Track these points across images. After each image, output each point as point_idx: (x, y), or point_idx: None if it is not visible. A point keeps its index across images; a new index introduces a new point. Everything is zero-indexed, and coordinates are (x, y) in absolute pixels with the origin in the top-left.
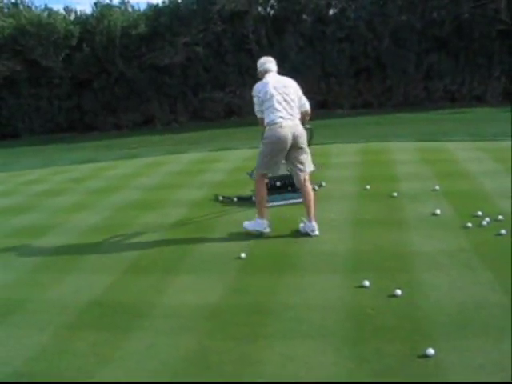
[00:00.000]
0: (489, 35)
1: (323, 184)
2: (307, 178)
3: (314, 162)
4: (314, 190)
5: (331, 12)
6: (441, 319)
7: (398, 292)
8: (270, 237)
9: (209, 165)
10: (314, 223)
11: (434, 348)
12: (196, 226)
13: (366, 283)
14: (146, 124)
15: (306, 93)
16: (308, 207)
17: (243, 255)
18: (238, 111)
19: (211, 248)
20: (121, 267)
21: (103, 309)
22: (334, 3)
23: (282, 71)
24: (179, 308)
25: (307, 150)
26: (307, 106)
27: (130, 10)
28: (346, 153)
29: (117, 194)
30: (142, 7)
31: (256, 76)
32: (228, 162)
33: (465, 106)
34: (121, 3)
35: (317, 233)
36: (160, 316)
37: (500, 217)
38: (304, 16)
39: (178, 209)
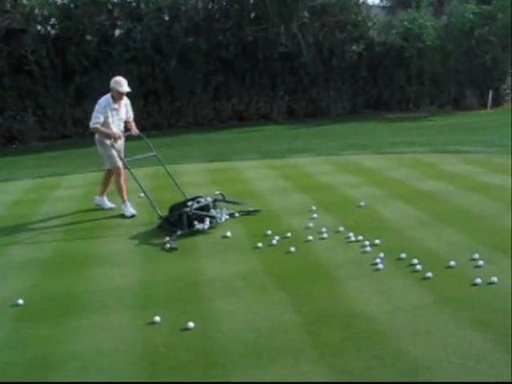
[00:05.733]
0: (271, 57)
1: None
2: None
3: None
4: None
5: (117, 33)
6: (236, 349)
7: (191, 325)
8: (51, 278)
9: None
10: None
11: (229, 379)
12: None
13: (157, 319)
14: None
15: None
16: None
17: (20, 302)
18: (21, 137)
19: None
20: None
21: None
22: (119, 24)
23: (66, 94)
24: None
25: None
26: None
27: None
28: (136, 177)
29: None
30: None
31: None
32: (8, 194)
33: (253, 124)
34: None
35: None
36: None
37: (288, 234)
38: (88, 36)
39: None
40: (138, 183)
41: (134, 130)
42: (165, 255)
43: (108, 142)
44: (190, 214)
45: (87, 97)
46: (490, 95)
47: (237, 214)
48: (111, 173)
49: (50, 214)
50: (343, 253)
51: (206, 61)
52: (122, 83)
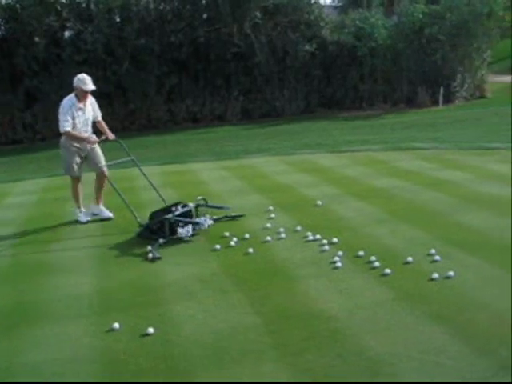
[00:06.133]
0: (224, 57)
1: None
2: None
3: None
4: None
5: (66, 34)
6: (197, 352)
7: (151, 330)
8: (4, 288)
9: None
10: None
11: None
12: None
13: (116, 326)
14: None
15: (43, 120)
16: None
17: None
18: None
19: None
20: None
21: None
22: (68, 25)
23: (15, 97)
24: None
25: None
26: None
27: None
28: (87, 182)
29: None
30: None
31: None
32: None
33: (207, 125)
34: None
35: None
36: None
37: (246, 235)
38: (36, 38)
39: None
40: (116, 189)
41: (111, 135)
42: (120, 260)
43: (74, 148)
44: (172, 221)
45: (37, 100)
46: (441, 92)
47: (211, 221)
48: (102, 177)
49: (2, 221)
50: (301, 252)
51: (158, 62)
52: (86, 81)
